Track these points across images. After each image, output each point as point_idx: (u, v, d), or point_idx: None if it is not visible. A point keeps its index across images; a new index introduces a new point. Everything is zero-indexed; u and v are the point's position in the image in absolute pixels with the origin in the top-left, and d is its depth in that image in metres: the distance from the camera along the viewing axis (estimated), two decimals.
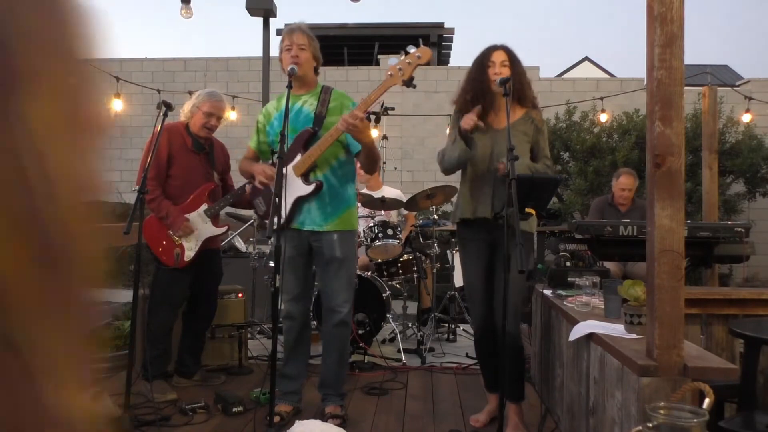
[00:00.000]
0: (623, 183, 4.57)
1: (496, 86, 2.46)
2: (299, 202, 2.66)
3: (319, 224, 2.66)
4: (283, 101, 2.76)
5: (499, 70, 2.50)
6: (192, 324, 3.30)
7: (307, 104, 2.71)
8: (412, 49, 2.43)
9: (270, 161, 2.82)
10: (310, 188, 2.61)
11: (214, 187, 3.23)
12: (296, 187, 2.64)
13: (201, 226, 3.12)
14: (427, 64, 2.47)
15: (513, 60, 2.53)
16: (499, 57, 2.52)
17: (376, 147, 2.70)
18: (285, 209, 2.66)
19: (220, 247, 3.38)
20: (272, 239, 2.63)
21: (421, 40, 2.47)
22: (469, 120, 2.38)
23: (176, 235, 3.04)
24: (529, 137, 2.59)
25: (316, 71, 2.78)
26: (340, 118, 2.48)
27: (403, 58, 2.43)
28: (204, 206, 3.15)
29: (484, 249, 2.60)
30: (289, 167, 2.65)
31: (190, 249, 3.08)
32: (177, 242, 3.05)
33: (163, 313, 3.07)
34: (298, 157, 2.62)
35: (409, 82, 2.44)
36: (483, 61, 2.56)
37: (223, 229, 3.26)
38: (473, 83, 2.58)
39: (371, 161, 2.71)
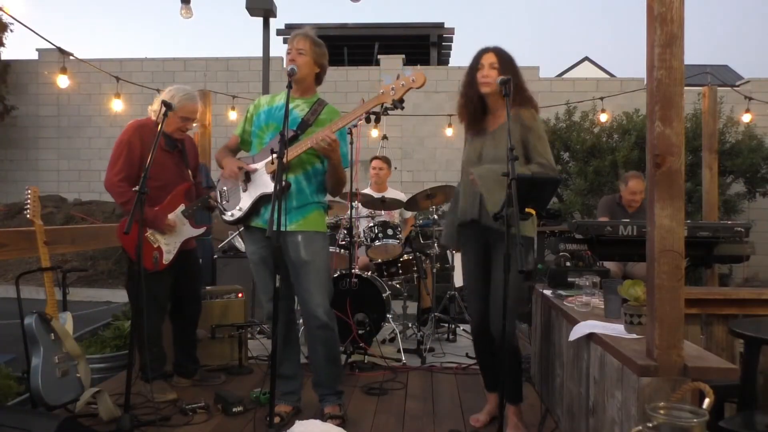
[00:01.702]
0: (633, 187, 4.49)
1: (483, 88, 2.50)
2: (262, 199, 2.63)
3: (282, 224, 2.63)
4: (278, 97, 2.76)
5: (487, 73, 2.50)
6: (180, 325, 3.27)
7: (299, 108, 2.70)
8: (408, 72, 2.46)
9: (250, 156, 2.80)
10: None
11: (190, 187, 3.17)
12: (262, 184, 2.62)
13: (179, 227, 3.07)
14: (420, 87, 2.46)
15: (503, 61, 2.51)
16: (488, 59, 2.52)
17: (344, 171, 2.68)
18: (246, 205, 2.66)
19: (195, 246, 3.32)
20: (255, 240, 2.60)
21: (419, 66, 2.48)
22: None
23: (161, 232, 2.98)
24: (514, 136, 2.49)
25: (318, 79, 2.76)
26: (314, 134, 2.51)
27: (398, 79, 2.46)
28: (181, 207, 3.09)
29: (479, 250, 2.60)
30: (261, 164, 2.64)
31: (168, 252, 3.03)
32: (155, 245, 2.99)
33: (150, 317, 2.99)
34: (274, 156, 2.61)
35: (398, 103, 2.47)
36: (474, 65, 2.57)
37: (202, 229, 3.19)
38: (465, 88, 2.62)
39: (335, 181, 2.68)
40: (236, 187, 2.74)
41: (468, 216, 2.59)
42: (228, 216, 2.75)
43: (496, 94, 2.50)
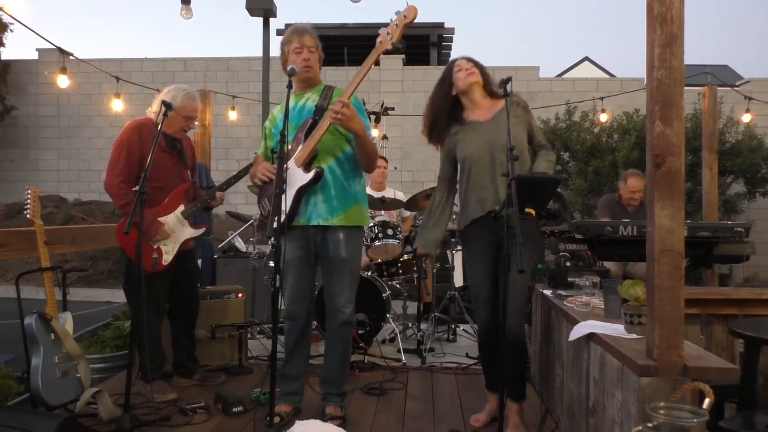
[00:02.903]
0: (633, 185, 4.46)
1: (470, 77, 2.61)
2: (301, 193, 2.61)
3: (325, 218, 2.62)
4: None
5: (467, 66, 2.63)
6: (179, 324, 3.27)
7: (310, 101, 2.71)
8: (399, 10, 2.46)
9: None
10: (309, 176, 2.56)
11: (189, 187, 3.14)
12: (297, 178, 2.58)
13: (179, 228, 3.05)
14: (414, 20, 2.44)
15: (477, 64, 2.68)
16: (463, 63, 2.66)
17: (371, 142, 2.65)
18: (287, 206, 2.61)
19: (193, 246, 3.29)
20: (273, 239, 2.61)
21: (407, 2, 2.44)
22: None
23: (153, 240, 2.96)
24: (521, 120, 2.60)
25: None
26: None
27: (391, 22, 2.45)
28: (181, 207, 3.06)
29: (488, 249, 2.58)
30: (291, 161, 2.62)
31: (167, 253, 3.01)
32: (153, 246, 2.97)
33: (148, 318, 2.94)
34: (300, 148, 2.61)
35: (398, 45, 2.48)
36: (447, 72, 2.69)
37: (201, 230, 3.17)
38: (438, 91, 2.71)
39: (366, 155, 2.64)
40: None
41: (477, 213, 2.57)
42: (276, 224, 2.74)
43: (480, 86, 2.64)
